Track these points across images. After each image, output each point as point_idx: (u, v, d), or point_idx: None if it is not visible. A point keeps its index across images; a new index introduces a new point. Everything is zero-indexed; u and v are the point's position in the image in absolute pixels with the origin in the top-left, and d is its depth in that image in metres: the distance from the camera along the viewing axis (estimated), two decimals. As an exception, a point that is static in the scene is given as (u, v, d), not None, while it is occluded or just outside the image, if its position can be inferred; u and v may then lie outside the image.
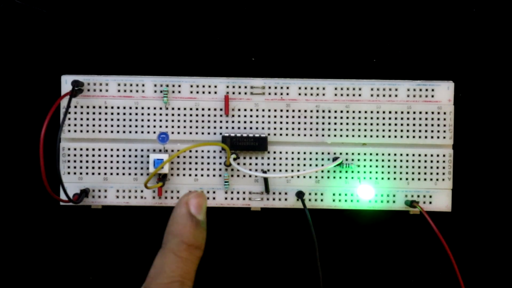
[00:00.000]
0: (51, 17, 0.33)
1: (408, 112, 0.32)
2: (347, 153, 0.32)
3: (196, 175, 0.32)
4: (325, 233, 0.33)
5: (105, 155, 0.32)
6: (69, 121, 0.32)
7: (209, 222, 0.33)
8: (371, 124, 0.32)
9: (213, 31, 0.33)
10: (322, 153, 0.32)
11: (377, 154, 0.32)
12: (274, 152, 0.32)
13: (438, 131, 0.32)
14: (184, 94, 0.32)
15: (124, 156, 0.32)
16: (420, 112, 0.32)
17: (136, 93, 0.32)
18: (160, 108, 0.32)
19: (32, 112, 0.33)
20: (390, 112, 0.32)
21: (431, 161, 0.32)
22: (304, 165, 0.32)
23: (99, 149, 0.32)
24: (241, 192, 0.32)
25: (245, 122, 0.32)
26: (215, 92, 0.32)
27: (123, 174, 0.32)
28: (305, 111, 0.32)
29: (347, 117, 0.32)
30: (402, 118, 0.32)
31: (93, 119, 0.32)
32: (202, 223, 0.26)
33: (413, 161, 0.32)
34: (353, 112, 0.32)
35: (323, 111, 0.32)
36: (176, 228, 0.26)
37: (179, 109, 0.32)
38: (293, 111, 0.32)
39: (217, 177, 0.32)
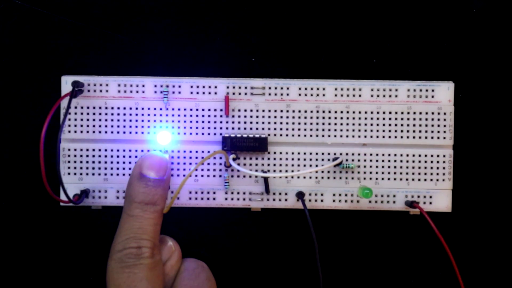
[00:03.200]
0: (51, 17, 0.33)
1: (408, 113, 0.32)
2: (347, 154, 0.32)
3: (196, 175, 0.32)
4: (325, 233, 0.33)
5: (105, 156, 0.32)
6: (69, 121, 0.32)
7: (209, 223, 0.34)
8: (371, 124, 0.32)
9: (213, 31, 0.33)
10: (322, 154, 0.32)
11: (377, 155, 0.32)
12: (274, 153, 0.32)
13: (438, 132, 0.32)
14: (184, 95, 0.32)
15: (124, 156, 0.32)
16: (420, 113, 0.32)
17: (136, 93, 0.32)
18: (160, 109, 0.32)
19: (32, 112, 0.33)
20: (390, 113, 0.32)
21: (431, 162, 0.32)
22: (304, 165, 0.32)
23: (99, 150, 0.32)
24: (241, 192, 0.32)
25: (245, 122, 0.32)
26: (215, 93, 0.32)
27: (123, 174, 0.32)
28: (305, 111, 0.32)
29: (347, 118, 0.32)
30: (402, 119, 0.32)
31: (93, 120, 0.32)
32: (154, 180, 0.27)
33: (413, 161, 0.32)
34: (353, 112, 0.32)
35: (323, 112, 0.32)
36: (128, 190, 0.28)
37: (179, 109, 0.32)
38: (293, 111, 0.32)
39: (217, 177, 0.32)
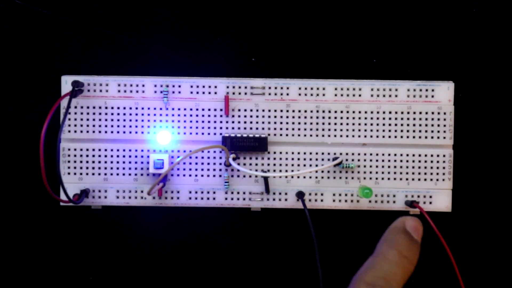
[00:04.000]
0: (51, 17, 0.33)
1: (408, 112, 0.32)
2: (347, 153, 0.32)
3: (196, 175, 0.32)
4: (325, 233, 0.33)
5: (105, 156, 0.32)
6: (69, 121, 0.32)
7: (209, 223, 0.34)
8: (371, 124, 0.32)
9: (213, 31, 0.33)
10: (322, 154, 0.32)
11: (377, 154, 0.32)
12: (274, 153, 0.32)
13: (438, 131, 0.32)
14: (184, 95, 0.32)
15: (124, 156, 0.32)
16: (420, 112, 0.32)
17: (136, 93, 0.32)
18: (160, 109, 0.32)
19: (32, 112, 0.33)
20: (390, 112, 0.32)
21: (431, 161, 0.32)
22: (304, 165, 0.32)
23: (99, 150, 0.32)
24: (241, 192, 0.32)
25: (245, 122, 0.32)
26: (215, 93, 0.32)
27: (123, 174, 0.32)
28: (305, 111, 0.32)
29: (347, 117, 0.32)
30: (402, 118, 0.32)
31: (93, 120, 0.32)
32: (416, 242, 0.28)
33: (413, 161, 0.32)
34: (353, 112, 0.32)
35: (323, 111, 0.32)
36: (391, 237, 0.28)
37: (179, 109, 0.32)
38: (293, 111, 0.32)
39: (217, 177, 0.32)
